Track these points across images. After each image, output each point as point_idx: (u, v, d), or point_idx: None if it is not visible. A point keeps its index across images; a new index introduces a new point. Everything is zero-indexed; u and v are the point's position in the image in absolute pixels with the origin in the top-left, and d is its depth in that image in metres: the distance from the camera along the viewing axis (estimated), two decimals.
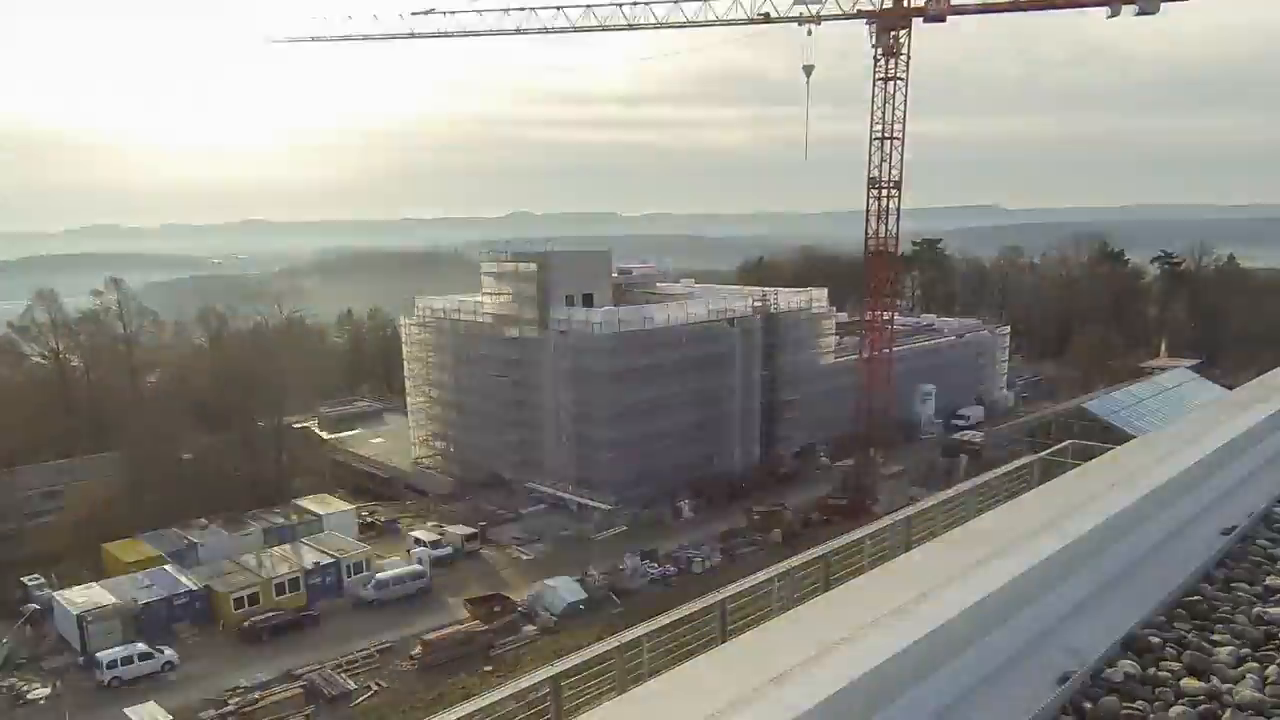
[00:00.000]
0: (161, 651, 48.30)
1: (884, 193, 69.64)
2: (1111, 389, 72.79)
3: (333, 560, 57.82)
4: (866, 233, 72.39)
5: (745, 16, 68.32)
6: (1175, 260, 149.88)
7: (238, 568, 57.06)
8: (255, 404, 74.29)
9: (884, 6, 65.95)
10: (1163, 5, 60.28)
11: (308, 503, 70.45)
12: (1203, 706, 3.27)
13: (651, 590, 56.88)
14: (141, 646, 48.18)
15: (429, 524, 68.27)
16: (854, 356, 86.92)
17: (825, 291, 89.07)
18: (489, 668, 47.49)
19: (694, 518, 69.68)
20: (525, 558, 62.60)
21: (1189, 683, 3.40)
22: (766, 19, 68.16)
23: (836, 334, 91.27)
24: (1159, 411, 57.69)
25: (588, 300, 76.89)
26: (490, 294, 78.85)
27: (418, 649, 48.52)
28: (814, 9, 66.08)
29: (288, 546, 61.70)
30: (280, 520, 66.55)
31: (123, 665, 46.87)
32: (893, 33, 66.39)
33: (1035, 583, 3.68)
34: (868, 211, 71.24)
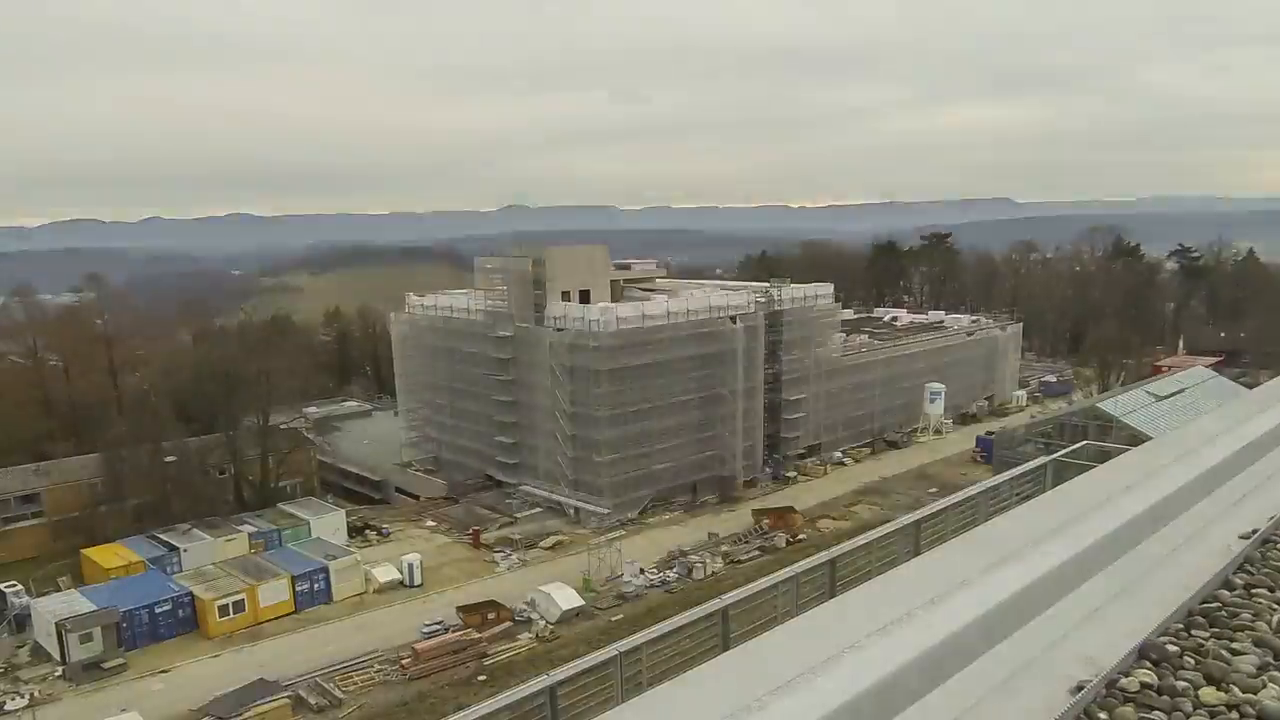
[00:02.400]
0: None
1: None
2: (1127, 388, 72.76)
3: (322, 566, 57.81)
4: None
5: None
6: (1193, 254, 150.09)
7: (223, 573, 57.04)
8: (240, 404, 74.26)
9: None
10: None
11: (295, 506, 70.47)
12: (1222, 717, 3.27)
13: (651, 596, 56.96)
14: None
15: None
16: (861, 354, 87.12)
17: (830, 287, 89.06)
18: (483, 677, 47.52)
19: (695, 521, 69.76)
20: (520, 563, 62.64)
21: (1208, 693, 3.40)
22: None
23: (843, 330, 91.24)
24: (1176, 411, 57.67)
25: (585, 297, 76.88)
26: (484, 290, 78.80)
27: (407, 657, 48.53)
28: None
29: (273, 551, 61.73)
30: (266, 524, 66.55)
31: None
32: None
33: (1048, 588, 3.68)
34: None
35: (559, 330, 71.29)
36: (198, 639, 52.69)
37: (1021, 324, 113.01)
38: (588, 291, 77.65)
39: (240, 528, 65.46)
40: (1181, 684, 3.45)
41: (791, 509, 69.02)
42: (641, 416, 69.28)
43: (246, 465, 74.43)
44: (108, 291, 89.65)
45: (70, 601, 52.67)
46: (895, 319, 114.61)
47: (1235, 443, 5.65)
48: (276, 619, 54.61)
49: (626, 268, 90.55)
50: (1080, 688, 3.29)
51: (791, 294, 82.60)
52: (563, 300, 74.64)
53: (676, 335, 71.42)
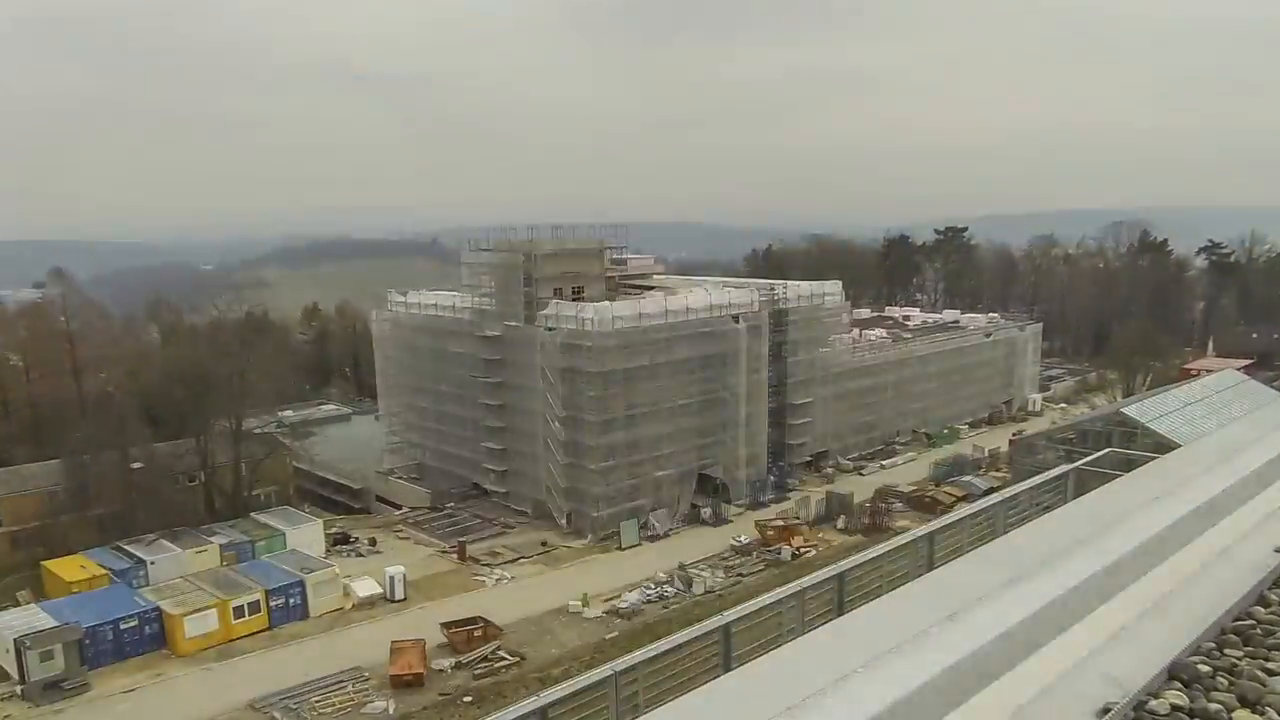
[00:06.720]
0: None
1: None
2: (1153, 392, 72.95)
3: (298, 579, 57.73)
4: None
5: None
6: (1223, 251, 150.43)
7: (193, 587, 56.93)
8: (212, 407, 74.13)
9: None
10: None
11: (269, 516, 70.38)
12: None
13: (648, 611, 56.94)
14: None
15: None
16: (872, 354, 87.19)
17: (839, 284, 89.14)
18: (469, 698, 47.48)
19: (695, 532, 69.78)
20: (508, 577, 62.64)
21: (1242, 715, 3.39)
22: None
23: (852, 330, 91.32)
24: (1206, 417, 57.81)
25: (578, 294, 76.85)
26: (471, 287, 78.75)
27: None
28: None
29: (246, 564, 61.61)
30: (239, 535, 66.47)
31: None
32: None
33: (1072, 605, 3.67)
34: None
35: (550, 330, 71.25)
36: (165, 657, 52.60)
37: (1041, 324, 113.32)
38: (581, 288, 77.65)
39: (211, 539, 65.31)
40: (1214, 706, 3.44)
41: (799, 519, 69.09)
42: (638, 421, 69.27)
43: (218, 472, 74.31)
44: (71, 287, 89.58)
45: (30, 617, 52.54)
46: (908, 318, 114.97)
47: (1269, 450, 5.65)
48: (249, 636, 54.55)
49: (623, 263, 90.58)
50: (1107, 710, 3.28)
51: (798, 291, 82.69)
52: (555, 298, 74.60)
53: (676, 335, 71.42)
